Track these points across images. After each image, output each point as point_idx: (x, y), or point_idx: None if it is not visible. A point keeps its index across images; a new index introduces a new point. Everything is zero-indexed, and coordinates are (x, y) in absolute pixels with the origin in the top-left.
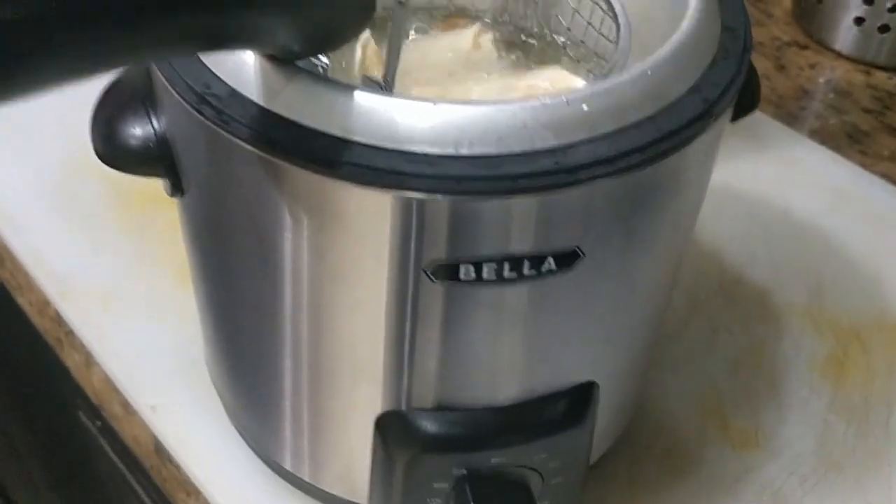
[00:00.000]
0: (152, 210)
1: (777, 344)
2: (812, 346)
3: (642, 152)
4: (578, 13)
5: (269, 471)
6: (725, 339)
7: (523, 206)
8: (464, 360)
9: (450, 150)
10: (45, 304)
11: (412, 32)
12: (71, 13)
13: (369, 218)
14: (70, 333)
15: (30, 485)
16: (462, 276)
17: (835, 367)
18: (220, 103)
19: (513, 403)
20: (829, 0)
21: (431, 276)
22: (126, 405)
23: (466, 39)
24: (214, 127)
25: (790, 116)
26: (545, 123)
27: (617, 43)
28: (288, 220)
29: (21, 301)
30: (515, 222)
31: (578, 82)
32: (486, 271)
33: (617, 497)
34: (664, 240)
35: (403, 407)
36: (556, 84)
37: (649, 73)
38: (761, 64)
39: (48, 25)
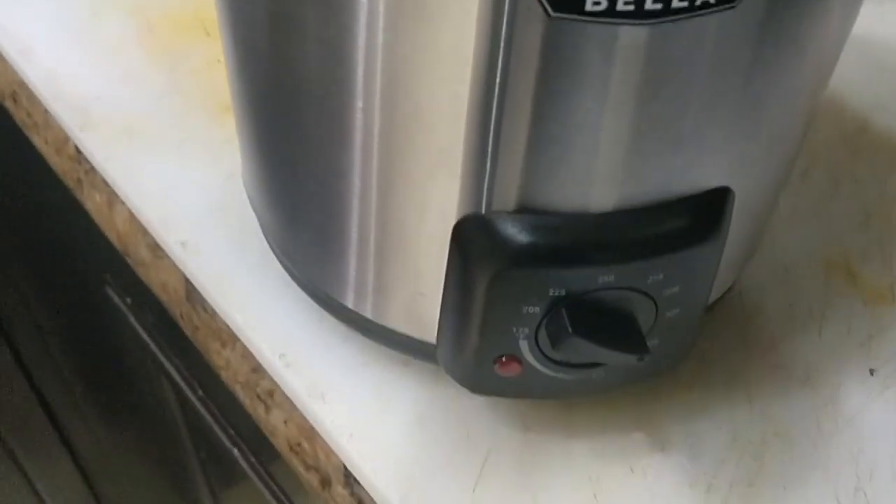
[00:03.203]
0: (186, 46)
1: None
2: None
3: None
4: None
5: (321, 312)
6: (850, 190)
7: None
8: (567, 137)
9: None
10: (63, 141)
11: None
12: None
13: None
14: (91, 171)
15: (57, 374)
16: (589, 6)
17: None
18: None
19: (629, 208)
20: None
21: (548, 7)
22: (153, 247)
23: None
24: None
25: None
26: None
27: None
28: None
29: (37, 141)
30: None
31: None
32: (622, 0)
33: (729, 351)
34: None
35: (491, 207)
36: None
37: None
38: None
39: None
